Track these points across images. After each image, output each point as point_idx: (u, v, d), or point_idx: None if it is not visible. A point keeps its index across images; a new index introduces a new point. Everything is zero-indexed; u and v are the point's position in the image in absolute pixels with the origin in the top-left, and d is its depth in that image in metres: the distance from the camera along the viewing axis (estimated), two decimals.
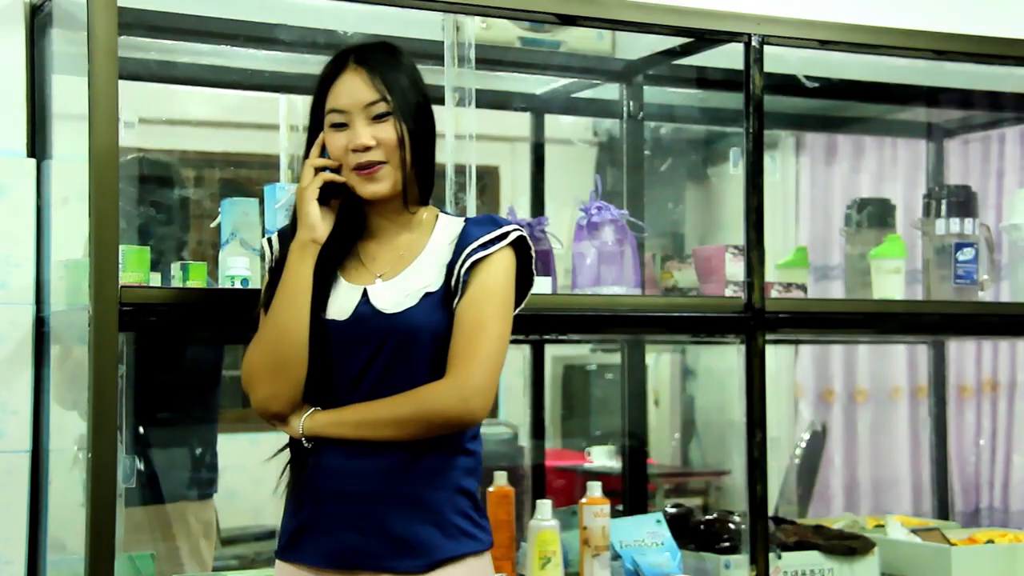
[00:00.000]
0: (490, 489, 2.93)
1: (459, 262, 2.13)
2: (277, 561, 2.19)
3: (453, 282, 2.13)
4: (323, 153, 2.16)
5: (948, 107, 4.05)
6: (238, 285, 2.53)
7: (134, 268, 2.46)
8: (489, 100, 3.24)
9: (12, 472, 2.65)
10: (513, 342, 2.21)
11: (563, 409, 5.82)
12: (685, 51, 3.19)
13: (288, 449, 2.19)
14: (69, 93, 2.60)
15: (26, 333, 2.68)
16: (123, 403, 2.33)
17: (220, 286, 2.58)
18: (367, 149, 2.11)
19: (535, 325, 2.12)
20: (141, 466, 3.01)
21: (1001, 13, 3.75)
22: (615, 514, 2.98)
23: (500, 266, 2.14)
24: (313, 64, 3.06)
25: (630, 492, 3.54)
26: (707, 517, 3.22)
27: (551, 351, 5.23)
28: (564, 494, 4.47)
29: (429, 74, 2.26)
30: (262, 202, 2.65)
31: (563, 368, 5.82)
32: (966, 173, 4.69)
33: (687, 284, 3.24)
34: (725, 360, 4.99)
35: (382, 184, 2.13)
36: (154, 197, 3.19)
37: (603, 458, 4.78)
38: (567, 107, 3.79)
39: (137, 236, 3.03)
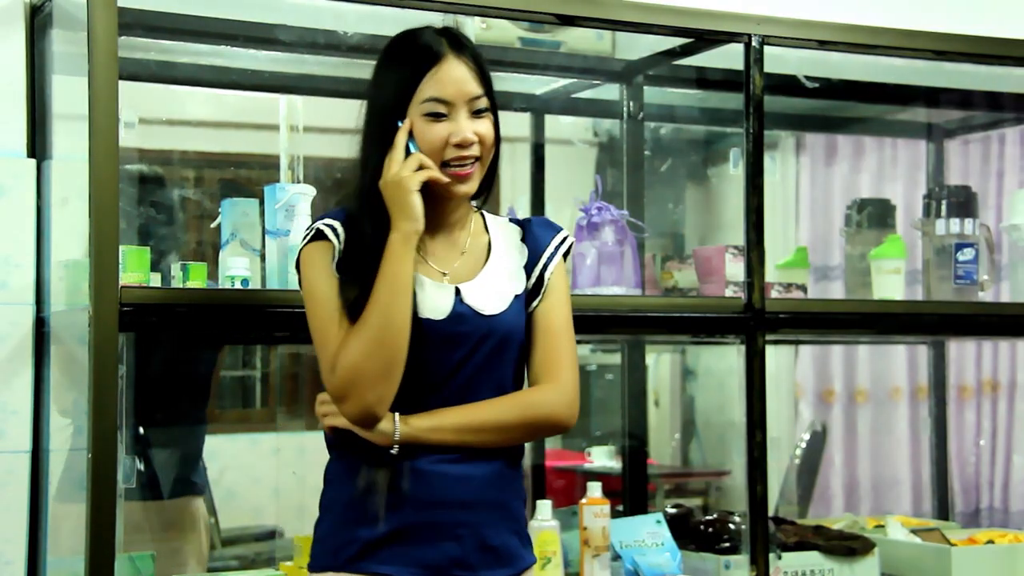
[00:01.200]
0: None
1: (540, 265, 2.14)
2: (334, 574, 2.02)
3: (532, 284, 2.13)
4: (409, 140, 2.04)
5: (948, 107, 4.05)
6: (238, 285, 2.53)
7: (134, 268, 2.46)
8: None
9: (12, 472, 2.65)
10: None
11: None
12: (685, 51, 3.18)
13: (339, 454, 2.09)
14: (69, 93, 2.60)
15: (26, 333, 2.68)
16: (123, 403, 2.33)
17: (220, 286, 2.58)
18: (470, 145, 2.06)
19: None
20: (141, 466, 3.00)
21: (1001, 13, 3.75)
22: (615, 514, 2.98)
23: (564, 270, 2.17)
24: (313, 64, 3.07)
25: (630, 492, 3.54)
26: (707, 517, 3.22)
27: None
28: (564, 494, 4.46)
29: None
30: (262, 202, 2.65)
31: None
32: (966, 173, 4.69)
33: (687, 284, 3.24)
34: (725, 360, 4.99)
35: (473, 183, 2.09)
36: (154, 197, 3.19)
37: (603, 458, 4.77)
38: (567, 107, 3.79)
39: (137, 236, 3.03)
